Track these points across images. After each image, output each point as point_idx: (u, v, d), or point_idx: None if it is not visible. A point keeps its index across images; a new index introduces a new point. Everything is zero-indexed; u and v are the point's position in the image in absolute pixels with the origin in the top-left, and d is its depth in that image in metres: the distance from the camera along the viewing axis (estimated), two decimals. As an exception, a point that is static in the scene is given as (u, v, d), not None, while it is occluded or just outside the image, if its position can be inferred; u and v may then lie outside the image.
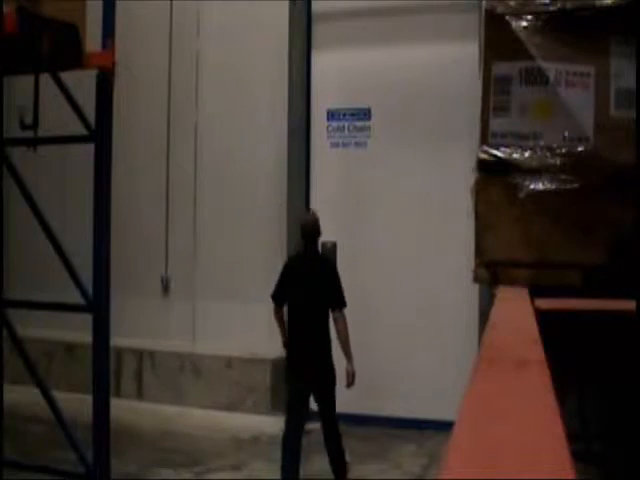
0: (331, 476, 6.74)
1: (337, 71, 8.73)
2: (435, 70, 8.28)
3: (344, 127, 8.72)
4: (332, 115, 8.74)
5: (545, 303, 2.56)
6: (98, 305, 5.11)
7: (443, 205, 8.11)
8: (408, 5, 8.49)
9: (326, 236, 8.67)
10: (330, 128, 8.75)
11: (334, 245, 8.66)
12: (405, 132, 8.45)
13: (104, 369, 5.26)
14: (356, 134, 8.67)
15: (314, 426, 8.38)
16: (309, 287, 6.01)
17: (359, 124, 8.66)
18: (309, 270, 6.10)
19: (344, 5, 8.64)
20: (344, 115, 8.71)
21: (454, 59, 8.00)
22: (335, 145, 8.75)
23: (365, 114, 8.63)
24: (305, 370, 6.02)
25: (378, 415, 8.24)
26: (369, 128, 8.62)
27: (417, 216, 8.40)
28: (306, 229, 6.22)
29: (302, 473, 6.38)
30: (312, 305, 6.01)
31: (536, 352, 1.45)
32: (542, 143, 3.05)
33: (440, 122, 8.23)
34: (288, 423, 6.04)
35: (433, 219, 8.32)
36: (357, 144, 8.67)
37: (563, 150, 3.03)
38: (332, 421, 6.06)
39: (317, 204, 8.75)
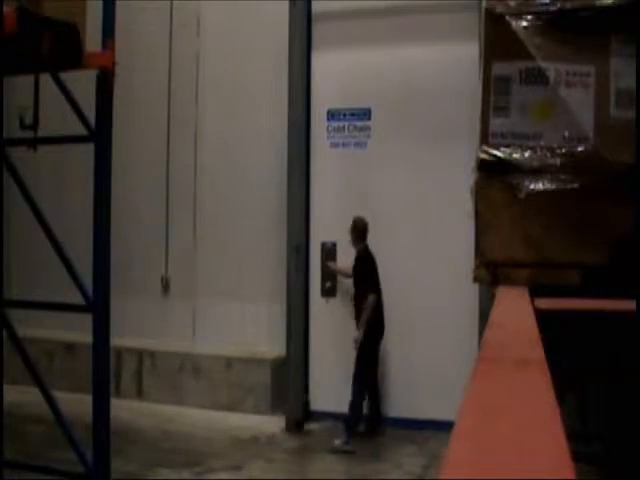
0: (331, 475, 6.75)
1: (337, 71, 8.72)
2: (435, 70, 8.27)
3: (344, 127, 8.71)
4: (332, 115, 8.74)
5: (545, 303, 2.55)
6: (98, 305, 5.11)
7: (443, 205, 8.10)
8: (408, 5, 8.48)
9: (326, 236, 8.69)
10: (330, 128, 8.74)
11: (334, 245, 8.65)
12: (405, 132, 8.44)
13: (104, 369, 5.26)
14: (356, 134, 8.67)
15: (314, 426, 8.40)
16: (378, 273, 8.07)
17: (359, 124, 8.65)
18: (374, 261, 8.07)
19: (344, 5, 8.64)
20: (344, 115, 8.71)
21: (454, 59, 8.00)
22: (335, 145, 8.74)
23: (365, 114, 8.62)
24: (382, 330, 8.08)
25: (378, 415, 8.23)
26: (369, 128, 8.61)
27: (417, 216, 8.39)
28: (365, 229, 8.01)
29: (303, 473, 6.40)
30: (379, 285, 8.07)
31: (536, 352, 1.45)
32: (542, 143, 3.05)
33: (440, 122, 8.22)
34: (367, 365, 7.86)
35: (433, 219, 8.32)
36: (357, 144, 8.67)
37: (563, 150, 3.03)
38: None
39: (317, 204, 8.74)
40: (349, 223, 8.48)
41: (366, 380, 7.86)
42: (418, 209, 8.38)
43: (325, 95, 8.75)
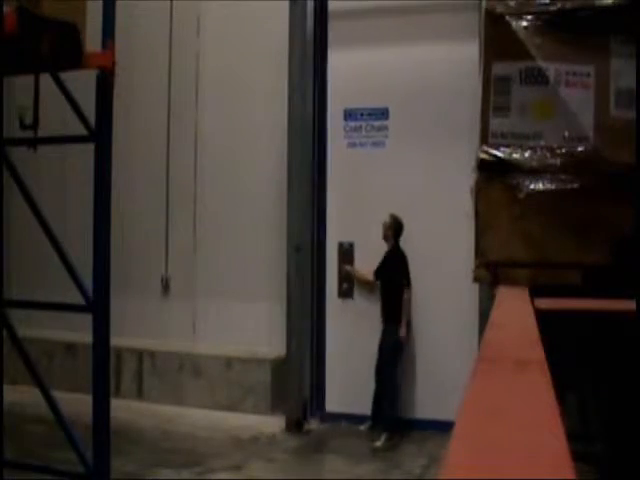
0: (331, 475, 6.75)
1: (354, 70, 8.61)
2: (454, 69, 8.11)
3: (361, 127, 8.63)
4: (349, 115, 8.66)
5: (545, 303, 2.55)
6: (98, 305, 5.11)
7: (462, 205, 7.94)
8: (424, 4, 8.42)
9: (344, 236, 8.64)
10: (347, 128, 8.66)
11: (351, 245, 8.61)
12: (424, 132, 8.30)
13: (104, 369, 5.26)
14: (374, 134, 8.58)
15: (314, 426, 8.40)
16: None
17: (377, 124, 8.56)
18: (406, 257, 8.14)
19: (362, 4, 8.56)
20: (361, 115, 8.62)
21: (473, 58, 7.89)
22: (352, 145, 8.67)
23: (383, 113, 8.53)
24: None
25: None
26: (387, 128, 8.53)
27: (428, 216, 8.27)
28: (402, 228, 8.09)
29: (303, 473, 6.41)
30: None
31: (536, 352, 1.45)
32: (542, 143, 3.05)
33: (459, 121, 8.06)
34: (398, 363, 7.99)
35: (442, 219, 8.19)
36: (374, 144, 8.58)
37: (563, 150, 3.03)
38: None
39: (334, 204, 8.67)
40: (365, 222, 8.42)
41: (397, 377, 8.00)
42: (436, 209, 8.25)
43: (342, 94, 8.65)
